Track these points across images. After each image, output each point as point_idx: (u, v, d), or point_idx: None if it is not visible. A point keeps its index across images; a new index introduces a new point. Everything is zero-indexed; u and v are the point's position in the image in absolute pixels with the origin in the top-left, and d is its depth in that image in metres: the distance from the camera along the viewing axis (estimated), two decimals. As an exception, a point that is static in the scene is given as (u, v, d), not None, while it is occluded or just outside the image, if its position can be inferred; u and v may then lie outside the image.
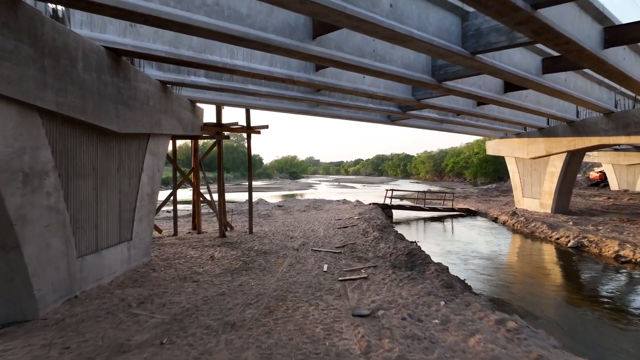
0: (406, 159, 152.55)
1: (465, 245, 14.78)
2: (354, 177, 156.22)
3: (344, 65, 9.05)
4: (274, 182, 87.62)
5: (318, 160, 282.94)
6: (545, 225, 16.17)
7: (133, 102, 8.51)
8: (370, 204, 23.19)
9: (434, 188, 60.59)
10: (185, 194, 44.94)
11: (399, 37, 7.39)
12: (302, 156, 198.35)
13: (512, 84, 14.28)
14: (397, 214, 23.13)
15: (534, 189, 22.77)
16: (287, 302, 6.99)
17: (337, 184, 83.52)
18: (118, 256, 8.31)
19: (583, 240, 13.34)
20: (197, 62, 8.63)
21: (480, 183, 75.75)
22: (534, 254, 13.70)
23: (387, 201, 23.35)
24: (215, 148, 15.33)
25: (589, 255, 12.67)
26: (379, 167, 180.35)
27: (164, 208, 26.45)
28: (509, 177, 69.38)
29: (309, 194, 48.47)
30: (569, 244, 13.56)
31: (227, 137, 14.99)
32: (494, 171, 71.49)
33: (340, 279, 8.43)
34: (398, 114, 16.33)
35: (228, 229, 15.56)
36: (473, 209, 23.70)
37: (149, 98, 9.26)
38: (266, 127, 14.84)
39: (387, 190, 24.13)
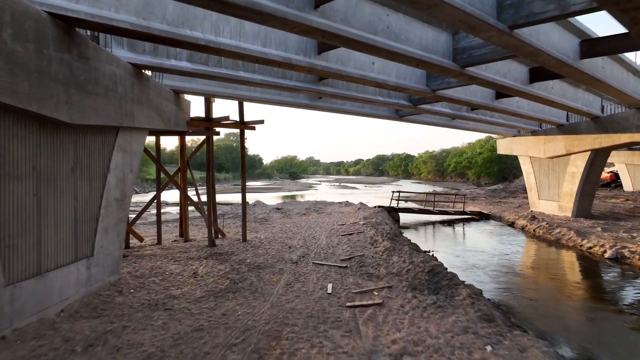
0: (407, 159, 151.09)
1: (488, 257, 13.12)
2: (354, 177, 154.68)
3: (352, 43, 7.44)
4: (274, 182, 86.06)
5: (318, 161, 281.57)
6: (573, 231, 14.54)
7: (94, 87, 6.90)
8: (375, 207, 21.59)
9: (438, 188, 58.99)
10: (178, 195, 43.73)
11: (424, 1, 5.79)
12: (302, 156, 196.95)
13: (538, 73, 12.72)
14: (404, 217, 21.53)
15: (552, 191, 21.15)
16: (282, 342, 5.38)
17: (337, 184, 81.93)
18: (72, 278, 6.69)
19: (623, 250, 11.71)
20: (173, 39, 7.02)
21: (484, 183, 74.17)
22: (570, 267, 12.03)
23: (394, 204, 21.74)
24: (207, 146, 13.73)
25: (632, 269, 11.05)
26: (380, 167, 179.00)
27: (154, 211, 24.98)
28: (514, 178, 67.67)
29: (310, 195, 46.90)
30: (606, 255, 11.93)
31: (217, 134, 13.39)
32: (499, 171, 69.90)
33: (348, 304, 6.82)
34: (408, 108, 14.72)
35: (219, 236, 13.96)
36: (485, 212, 22.08)
37: (117, 84, 7.65)
38: (261, 122, 13.24)
39: (393, 192, 22.53)
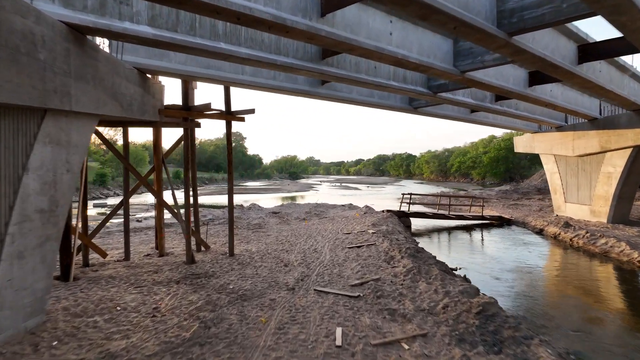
0: (409, 158, 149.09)
1: (534, 278, 10.71)
2: (355, 177, 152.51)
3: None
4: (273, 182, 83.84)
5: (318, 161, 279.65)
6: (624, 243, 12.26)
7: (-10, 46, 4.65)
8: (383, 211, 19.32)
9: (442, 189, 56.73)
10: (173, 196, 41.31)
11: None
12: (302, 156, 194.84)
13: (587, 52, 10.43)
14: (415, 223, 19.27)
15: (582, 193, 18.87)
16: None
17: (338, 184, 79.68)
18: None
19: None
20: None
21: (490, 184, 71.97)
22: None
23: (404, 207, 19.49)
24: (186, 140, 11.49)
25: None
26: (381, 167, 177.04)
27: (141, 215, 22.71)
28: (521, 178, 65.34)
29: (310, 196, 44.63)
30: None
31: (198, 125, 11.13)
32: (505, 171, 67.60)
33: (368, 367, 4.56)
34: (426, 96, 12.44)
35: (202, 249, 11.69)
36: (506, 216, 19.80)
37: (37, 47, 5.40)
38: (251, 111, 10.97)
39: (403, 194, 20.25)
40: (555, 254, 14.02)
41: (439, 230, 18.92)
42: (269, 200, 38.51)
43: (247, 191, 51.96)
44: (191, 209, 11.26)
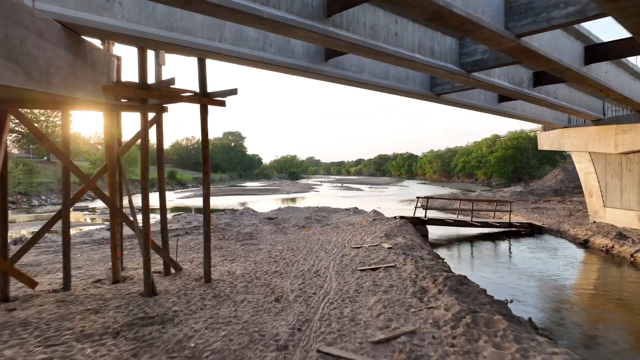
0: (411, 158, 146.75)
1: (631, 321, 8.21)
2: (356, 177, 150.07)
3: None
4: (272, 183, 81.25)
5: (319, 160, 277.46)
6: None
7: None
8: (395, 217, 16.71)
9: (449, 190, 54.14)
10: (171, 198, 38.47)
11: None
12: (302, 156, 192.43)
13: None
14: (431, 230, 16.67)
15: (627, 197, 16.27)
16: None
17: (339, 185, 77.08)
18: None
19: None
20: None
21: (496, 184, 69.41)
22: None
23: (418, 212, 16.89)
24: (143, 129, 8.94)
25: None
26: (382, 167, 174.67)
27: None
28: (530, 178, 62.70)
29: (310, 198, 42.05)
30: None
31: (164, 110, 8.56)
32: (514, 171, 64.91)
33: None
34: (458, 76, 9.83)
35: (172, 270, 9.10)
36: (537, 223, 17.19)
37: None
38: (233, 92, 8.35)
39: (418, 197, 17.61)
40: (627, 275, 11.34)
41: (460, 240, 16.32)
42: (267, 203, 35.94)
43: (245, 192, 49.37)
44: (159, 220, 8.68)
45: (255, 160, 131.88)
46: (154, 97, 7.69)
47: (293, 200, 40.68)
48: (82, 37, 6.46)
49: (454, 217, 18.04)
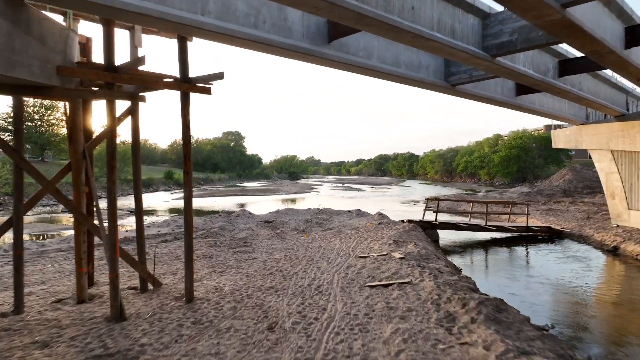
0: (412, 158, 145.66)
1: None
2: (356, 177, 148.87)
3: None
4: (272, 183, 79.99)
5: (319, 160, 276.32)
6: None
7: None
8: (403, 221, 15.39)
9: (452, 190, 52.87)
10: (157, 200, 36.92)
11: None
12: (302, 156, 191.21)
13: None
14: (441, 235, 15.36)
15: (656, 198, 14.98)
16: None
17: (340, 185, 75.79)
18: None
19: None
20: None
21: (500, 184, 68.13)
22: None
23: (428, 216, 15.59)
24: (110, 120, 7.68)
25: None
26: (382, 167, 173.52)
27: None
28: (535, 178, 61.35)
29: (310, 199, 40.76)
30: None
31: (140, 100, 7.27)
32: (518, 171, 63.53)
33: None
34: (481, 61, 8.53)
35: (149, 287, 7.80)
36: (556, 227, 15.87)
37: None
38: (219, 77, 7.01)
39: (427, 199, 16.27)
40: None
41: (473, 245, 15.01)
42: (265, 204, 34.64)
43: (244, 192, 48.07)
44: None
45: (255, 160, 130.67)
46: (122, 81, 6.39)
47: (292, 201, 39.38)
48: (26, 2, 5.17)
49: (465, 220, 16.71)
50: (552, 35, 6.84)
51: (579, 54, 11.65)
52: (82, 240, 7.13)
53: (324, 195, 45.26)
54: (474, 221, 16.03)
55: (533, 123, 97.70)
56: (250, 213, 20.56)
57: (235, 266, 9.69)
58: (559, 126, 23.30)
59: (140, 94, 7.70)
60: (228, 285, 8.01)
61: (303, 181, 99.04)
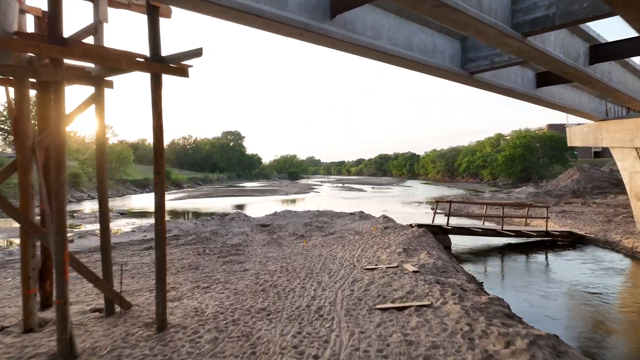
0: (412, 158, 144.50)
1: None
2: (356, 177, 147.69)
3: None
4: (271, 183, 78.76)
5: (319, 160, 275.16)
6: None
7: None
8: (412, 225, 14.10)
9: (456, 191, 51.62)
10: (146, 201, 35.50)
11: None
12: (302, 156, 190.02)
13: None
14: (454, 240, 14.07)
15: (688, 200, 13.68)
16: None
17: (340, 185, 74.53)
18: None
19: None
20: None
21: (503, 184, 66.86)
22: None
23: (439, 219, 14.30)
24: (54, 104, 6.42)
25: None
26: (383, 167, 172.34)
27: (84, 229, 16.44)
28: (539, 178, 60.08)
29: (310, 200, 39.49)
30: None
31: (107, 84, 6.00)
32: (522, 171, 62.22)
33: None
34: (510, 40, 7.24)
35: (116, 308, 6.51)
36: (577, 231, 14.56)
37: None
38: (196, 54, 5.67)
39: (437, 202, 14.94)
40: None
41: (487, 252, 13.72)
42: (264, 205, 33.36)
43: (242, 193, 46.79)
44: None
45: (255, 160, 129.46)
46: (74, 57, 5.09)
47: (292, 202, 38.11)
48: None
49: (478, 224, 15.41)
50: (607, 2, 5.52)
51: (610, 39, 10.40)
52: (30, 255, 5.85)
53: (324, 196, 43.98)
54: (488, 225, 14.72)
55: (535, 122, 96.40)
56: (246, 215, 19.26)
57: (223, 280, 8.41)
58: (590, 119, 22.06)
59: (107, 78, 6.44)
60: (212, 305, 6.73)
61: (303, 181, 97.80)
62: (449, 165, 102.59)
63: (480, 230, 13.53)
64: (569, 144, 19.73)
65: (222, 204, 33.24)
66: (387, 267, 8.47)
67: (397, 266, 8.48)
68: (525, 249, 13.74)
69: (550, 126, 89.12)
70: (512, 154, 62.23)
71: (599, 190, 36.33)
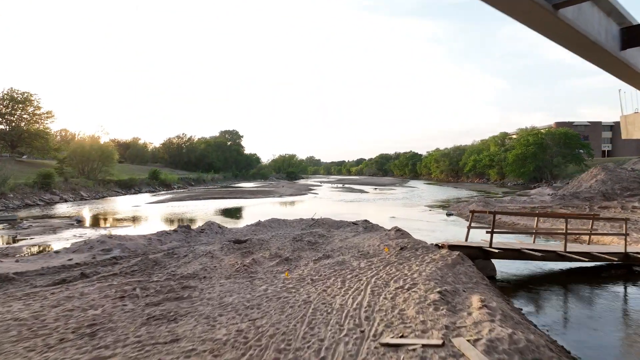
0: (414, 157, 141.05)
1: None
2: (357, 177, 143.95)
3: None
4: (268, 184, 74.93)
5: (319, 160, 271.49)
6: None
7: None
8: (440, 245, 10.24)
9: (469, 192, 47.81)
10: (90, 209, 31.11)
11: None
12: (302, 156, 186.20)
13: None
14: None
15: None
16: None
17: (341, 186, 70.66)
18: None
19: None
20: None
21: (514, 185, 63.03)
22: None
23: (472, 234, 10.43)
24: None
25: None
26: (384, 167, 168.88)
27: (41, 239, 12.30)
28: (553, 178, 56.16)
29: (307, 202, 35.64)
30: None
31: None
32: (535, 170, 58.39)
33: None
34: None
35: None
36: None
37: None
38: None
39: (472, 212, 11.02)
40: None
41: (540, 280, 9.89)
42: (252, 209, 29.54)
43: (232, 195, 42.92)
44: None
45: (253, 160, 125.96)
46: None
47: (285, 205, 34.27)
48: None
49: (529, 242, 11.54)
50: None
51: None
52: None
53: (323, 198, 40.09)
54: (539, 243, 10.88)
55: (540, 121, 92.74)
56: (220, 227, 15.32)
57: (149, 345, 4.56)
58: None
59: None
60: None
61: (302, 181, 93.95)
62: (453, 165, 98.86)
63: (537, 253, 9.67)
64: (623, 137, 15.95)
65: (207, 208, 29.38)
66: (423, 347, 4.60)
67: (442, 345, 4.60)
68: (589, 276, 9.92)
69: (559, 124, 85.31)
70: (524, 152, 58.41)
71: (629, 192, 32.46)
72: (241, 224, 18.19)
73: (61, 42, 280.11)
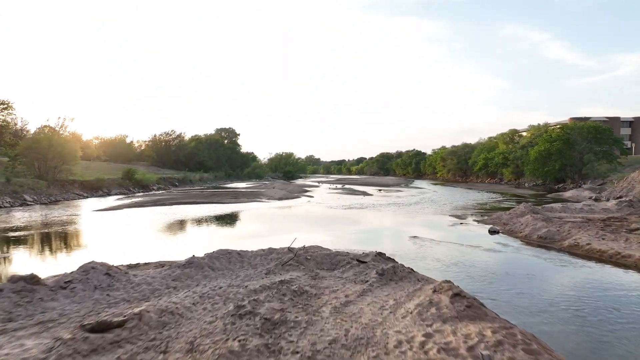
0: (418, 156, 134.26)
1: None
2: (358, 177, 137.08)
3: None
4: (261, 184, 68.00)
5: (318, 159, 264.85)
6: None
7: None
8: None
9: (490, 194, 40.96)
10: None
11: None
12: (302, 155, 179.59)
13: None
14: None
15: None
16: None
17: (340, 186, 63.76)
18: None
19: None
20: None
21: (531, 185, 56.16)
22: None
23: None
24: None
25: None
26: (385, 166, 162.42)
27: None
28: (580, 178, 49.16)
29: (297, 209, 28.78)
30: None
31: None
32: (560, 169, 51.53)
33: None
34: None
35: None
36: None
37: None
38: None
39: None
40: None
41: None
42: (221, 222, 22.73)
43: (210, 199, 35.95)
44: None
45: (249, 158, 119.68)
46: None
47: (265, 216, 27.39)
48: None
49: None
50: None
51: None
52: None
53: (317, 204, 33.13)
54: None
55: (540, 121, 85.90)
56: (110, 273, 8.21)
57: None
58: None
59: None
60: None
61: (299, 182, 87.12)
62: (461, 164, 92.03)
63: None
64: None
65: (163, 219, 22.47)
66: None
67: None
68: None
69: (574, 119, 78.36)
70: (549, 148, 51.49)
71: None
72: (175, 253, 11.39)
73: (61, 42, 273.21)
